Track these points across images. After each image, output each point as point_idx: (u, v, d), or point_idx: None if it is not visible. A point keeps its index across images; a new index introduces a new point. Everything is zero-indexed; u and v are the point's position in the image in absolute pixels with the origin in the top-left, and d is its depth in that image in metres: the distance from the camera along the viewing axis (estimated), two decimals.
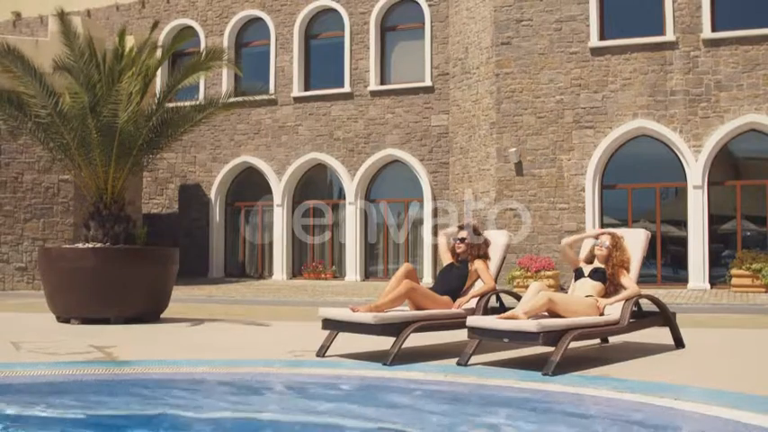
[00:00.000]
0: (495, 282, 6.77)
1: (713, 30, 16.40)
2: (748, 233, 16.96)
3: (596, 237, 6.82)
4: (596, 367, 5.78)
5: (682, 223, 16.96)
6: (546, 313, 5.88)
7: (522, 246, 16.89)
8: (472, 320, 5.87)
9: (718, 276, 16.45)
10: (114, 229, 9.61)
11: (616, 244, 6.55)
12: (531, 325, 5.49)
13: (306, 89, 21.49)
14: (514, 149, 17.29)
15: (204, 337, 8.10)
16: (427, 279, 18.39)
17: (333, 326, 6.27)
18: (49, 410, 4.56)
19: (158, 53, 10.53)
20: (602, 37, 17.20)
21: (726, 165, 17.02)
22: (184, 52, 20.93)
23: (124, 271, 9.30)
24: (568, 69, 17.25)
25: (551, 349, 5.56)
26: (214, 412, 4.58)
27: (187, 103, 10.49)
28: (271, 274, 21.42)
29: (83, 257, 9.33)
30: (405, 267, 6.54)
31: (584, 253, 6.87)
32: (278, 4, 21.80)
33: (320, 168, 21.45)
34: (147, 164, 10.88)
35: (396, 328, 5.97)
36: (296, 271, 21.32)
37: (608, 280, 6.44)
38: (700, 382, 5.26)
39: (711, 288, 16.07)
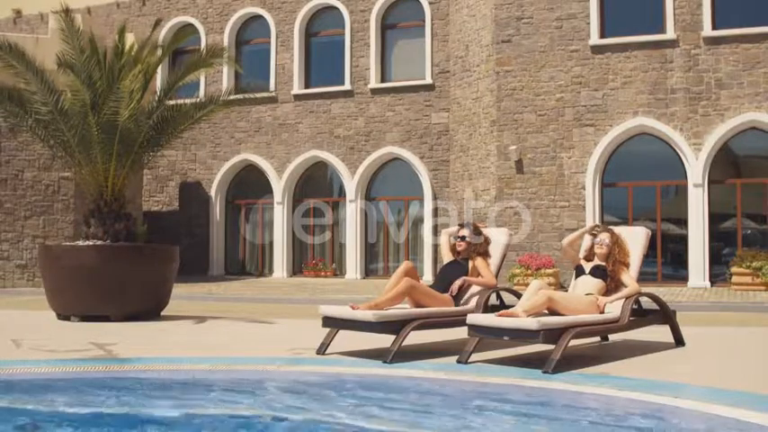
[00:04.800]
0: (496, 279, 6.77)
1: (714, 28, 16.40)
2: (748, 231, 16.97)
3: (591, 231, 6.80)
4: (596, 365, 5.78)
5: (682, 221, 16.96)
6: (546, 311, 5.88)
7: (522, 244, 16.89)
8: (472, 318, 5.87)
9: (718, 274, 16.45)
10: (115, 227, 9.61)
11: (616, 241, 6.54)
12: (531, 323, 5.49)
13: (306, 87, 21.49)
14: (515, 147, 17.28)
15: (204, 335, 8.10)
16: (427, 277, 18.39)
17: (333, 324, 6.27)
18: (49, 408, 4.56)
19: (159, 51, 10.53)
20: (602, 35, 17.19)
21: (726, 163, 17.02)
22: (185, 50, 20.91)
23: (124, 268, 9.30)
24: (569, 67, 17.25)
25: (551, 347, 5.56)
26: (214, 410, 4.59)
27: (187, 101, 10.49)
28: (271, 271, 21.43)
29: (83, 255, 9.33)
30: (405, 265, 6.54)
31: (583, 251, 6.87)
32: (278, 2, 21.79)
33: (320, 166, 21.45)
34: (147, 161, 10.88)
35: (396, 326, 5.97)
36: (296, 269, 21.33)
37: (608, 278, 6.44)
38: (700, 380, 5.26)
39: (712, 286, 16.07)
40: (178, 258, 10.04)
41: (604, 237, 6.58)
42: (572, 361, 5.76)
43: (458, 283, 6.56)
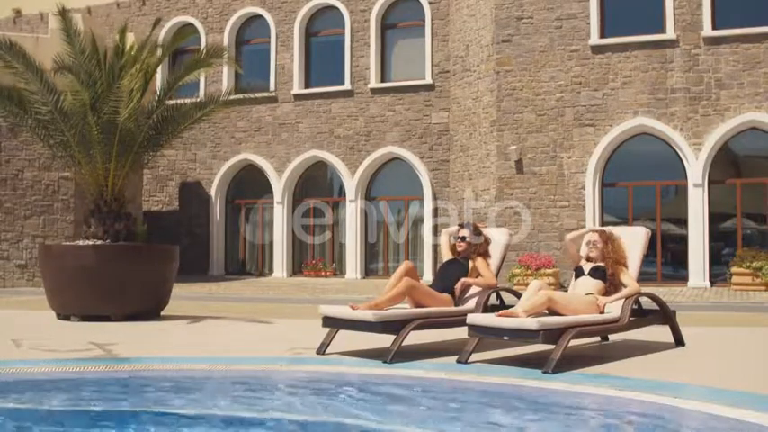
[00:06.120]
0: (496, 279, 6.77)
1: (714, 28, 16.41)
2: (748, 231, 16.97)
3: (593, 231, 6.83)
4: (596, 365, 5.78)
5: (682, 221, 16.96)
6: (546, 311, 5.88)
7: (522, 244, 16.89)
8: (472, 318, 5.87)
9: (718, 274, 16.45)
10: (114, 227, 9.61)
11: (606, 241, 6.52)
12: (531, 323, 5.49)
13: (306, 87, 21.49)
14: (515, 147, 17.28)
15: (204, 335, 8.10)
16: (427, 277, 18.39)
17: (333, 323, 6.27)
18: (49, 408, 4.56)
19: (159, 51, 10.53)
20: (602, 35, 17.19)
21: (726, 163, 17.02)
22: (185, 50, 20.91)
23: (124, 268, 9.30)
24: (569, 67, 17.24)
25: (551, 347, 5.56)
26: (214, 410, 4.59)
27: (187, 101, 10.49)
28: (271, 271, 21.43)
29: (83, 255, 9.32)
30: (405, 265, 6.54)
31: (583, 251, 6.86)
32: (278, 2, 21.79)
33: (320, 166, 21.45)
34: (147, 161, 10.87)
35: (396, 326, 5.97)
36: (296, 268, 21.33)
37: (608, 278, 6.43)
38: (699, 380, 5.26)
39: (712, 286, 16.07)
40: (178, 258, 10.04)
41: (595, 238, 6.56)
42: (572, 361, 5.76)
43: (458, 286, 6.56)
